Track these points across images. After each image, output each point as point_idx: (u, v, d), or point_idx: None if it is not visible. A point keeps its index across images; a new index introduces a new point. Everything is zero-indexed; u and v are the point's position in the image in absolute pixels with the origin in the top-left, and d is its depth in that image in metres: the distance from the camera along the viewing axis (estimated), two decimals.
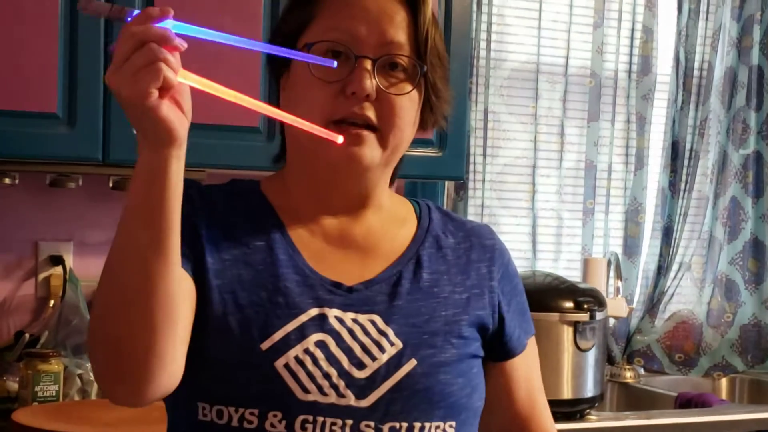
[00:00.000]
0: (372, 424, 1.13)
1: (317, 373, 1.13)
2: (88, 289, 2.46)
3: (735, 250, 3.21)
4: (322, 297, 1.17)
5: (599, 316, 2.51)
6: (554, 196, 3.10)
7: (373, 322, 1.18)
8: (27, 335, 2.34)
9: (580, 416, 2.51)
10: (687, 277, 3.20)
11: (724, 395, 3.17)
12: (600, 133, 3.09)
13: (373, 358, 1.15)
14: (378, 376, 1.15)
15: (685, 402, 2.77)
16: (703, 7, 3.14)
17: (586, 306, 2.48)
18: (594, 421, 2.50)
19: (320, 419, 1.12)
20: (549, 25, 3.05)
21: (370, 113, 1.16)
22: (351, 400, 1.13)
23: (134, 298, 0.98)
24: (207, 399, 1.14)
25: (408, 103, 1.19)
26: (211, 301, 1.14)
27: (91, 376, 2.29)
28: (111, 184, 2.39)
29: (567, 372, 2.48)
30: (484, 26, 2.93)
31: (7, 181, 2.30)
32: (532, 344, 1.34)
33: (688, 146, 3.15)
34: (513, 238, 3.02)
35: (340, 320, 1.16)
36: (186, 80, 0.94)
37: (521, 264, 3.00)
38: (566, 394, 2.48)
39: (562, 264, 3.09)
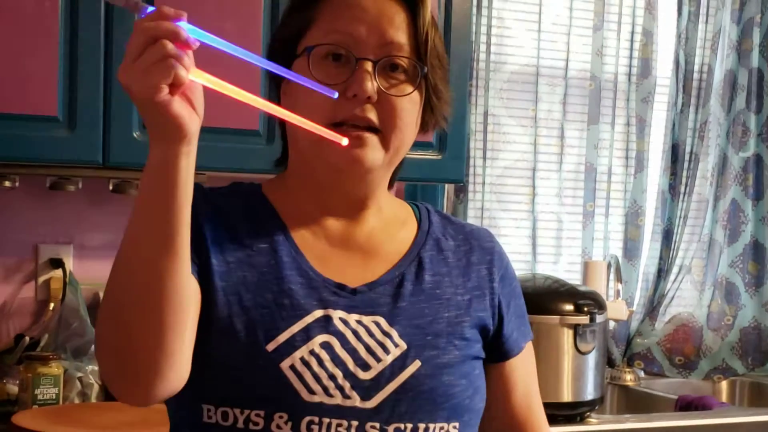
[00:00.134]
0: (377, 425, 1.14)
1: (323, 375, 1.13)
2: (88, 292, 2.46)
3: (735, 253, 3.21)
4: (327, 299, 1.18)
5: (599, 318, 2.51)
6: (554, 199, 3.10)
7: (378, 324, 1.18)
8: (27, 338, 2.34)
9: (581, 419, 2.51)
10: (687, 279, 3.20)
11: (724, 398, 3.17)
12: (600, 136, 3.09)
13: (378, 360, 1.16)
14: (383, 378, 1.15)
15: (686, 405, 2.77)
16: (703, 9, 3.15)
17: (586, 309, 2.48)
18: (594, 424, 2.50)
19: (326, 420, 1.12)
20: (549, 27, 3.05)
21: (372, 115, 1.16)
22: (356, 401, 1.14)
23: (144, 295, 0.99)
24: (212, 401, 1.14)
25: (409, 105, 1.19)
26: (216, 303, 1.15)
27: (91, 379, 2.29)
28: (111, 187, 2.39)
29: (567, 375, 2.48)
30: (483, 29, 2.93)
31: (7, 184, 2.30)
32: (529, 349, 1.34)
33: (688, 149, 3.15)
34: (513, 241, 3.02)
35: (345, 322, 1.17)
36: (198, 79, 0.94)
37: (521, 267, 3.00)
38: (566, 396, 2.48)
39: (562, 267, 3.09)
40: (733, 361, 3.19)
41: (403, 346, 1.17)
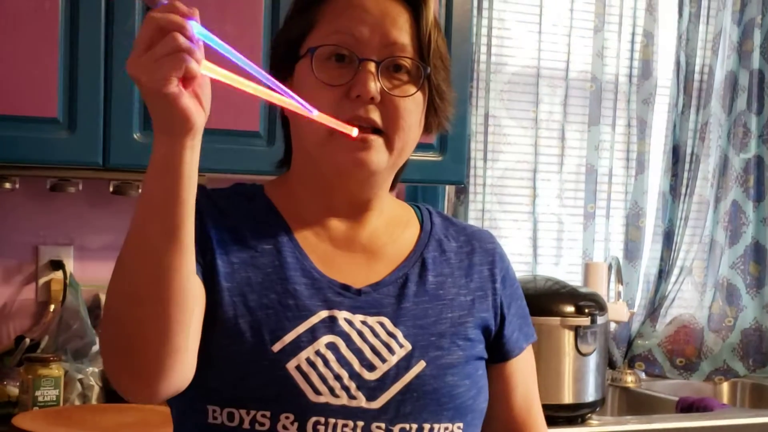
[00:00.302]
0: (383, 425, 1.14)
1: (328, 375, 1.13)
2: (89, 293, 2.46)
3: (736, 254, 3.21)
4: (332, 299, 1.18)
5: (600, 320, 2.51)
6: (555, 201, 3.10)
7: (382, 324, 1.19)
8: (27, 340, 2.34)
9: (582, 421, 2.51)
10: (688, 281, 3.20)
11: (725, 399, 3.17)
12: (601, 138, 3.09)
13: (383, 360, 1.16)
14: (388, 378, 1.16)
15: (687, 406, 2.77)
16: (704, 11, 3.15)
17: (587, 310, 2.48)
18: (595, 425, 2.50)
19: (332, 421, 1.13)
20: (549, 29, 3.05)
21: (375, 116, 1.16)
22: (362, 401, 1.14)
23: (150, 289, 0.99)
24: (217, 402, 1.14)
25: (412, 106, 1.19)
26: (221, 303, 1.15)
27: (92, 381, 2.28)
28: (111, 189, 2.39)
29: (568, 376, 2.48)
30: (484, 30, 2.93)
31: (7, 185, 2.31)
32: (529, 351, 1.34)
33: (688, 150, 3.15)
34: (514, 242, 3.02)
35: (350, 322, 1.17)
36: (210, 72, 0.94)
37: (522, 268, 3.00)
38: (567, 398, 2.48)
39: (562, 268, 3.09)
40: (734, 363, 3.19)
41: (408, 346, 1.18)
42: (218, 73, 0.94)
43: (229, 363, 1.13)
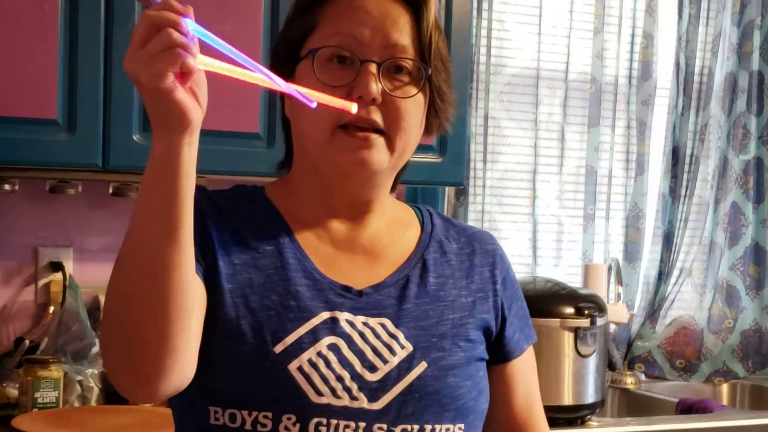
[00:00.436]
0: (384, 426, 1.14)
1: (330, 376, 1.14)
2: (88, 295, 2.46)
3: (736, 256, 3.21)
4: (333, 301, 1.18)
5: (600, 321, 2.51)
6: (555, 202, 3.10)
7: (384, 326, 1.19)
8: (27, 341, 2.34)
9: (581, 422, 2.51)
10: (688, 282, 3.20)
11: (725, 401, 3.17)
12: (600, 139, 3.09)
13: (385, 361, 1.16)
14: (390, 379, 1.16)
15: (686, 408, 2.77)
16: (704, 12, 3.15)
17: (586, 312, 2.48)
18: (595, 427, 2.50)
19: (334, 422, 1.13)
20: (549, 30, 3.05)
21: (377, 117, 1.17)
22: (364, 402, 1.14)
23: (147, 289, 0.99)
24: (219, 403, 1.14)
25: (413, 107, 1.19)
26: (222, 304, 1.15)
27: (91, 383, 2.28)
28: (111, 191, 2.39)
29: (568, 378, 2.48)
30: (484, 32, 2.93)
31: (7, 187, 2.30)
32: (530, 352, 1.34)
33: (688, 152, 3.15)
34: (513, 243, 3.02)
35: (351, 324, 1.17)
36: (206, 66, 0.94)
37: (522, 270, 3.00)
38: (567, 400, 2.48)
39: (562, 270, 3.09)
40: (733, 364, 3.19)
41: (409, 347, 1.18)
42: (215, 66, 0.95)
43: (231, 364, 1.14)
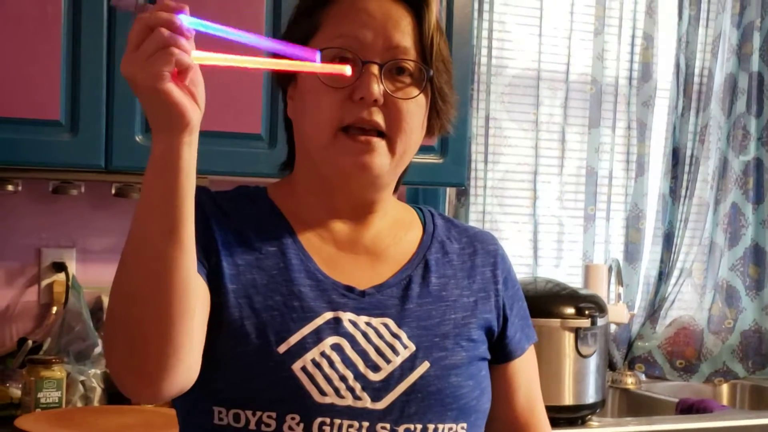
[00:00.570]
0: (387, 426, 1.15)
1: (334, 376, 1.14)
2: (91, 295, 2.47)
3: (736, 256, 3.22)
4: (336, 301, 1.19)
5: (600, 322, 2.51)
6: (555, 203, 3.10)
7: (386, 326, 1.19)
8: (30, 342, 2.35)
9: (582, 422, 2.52)
10: (688, 283, 3.21)
11: (725, 401, 3.17)
12: (601, 140, 3.09)
13: (388, 361, 1.17)
14: (393, 379, 1.16)
15: (686, 408, 2.78)
16: (704, 14, 3.15)
17: (587, 312, 2.49)
18: (595, 427, 2.51)
19: (337, 421, 1.13)
20: (550, 32, 3.06)
21: (378, 118, 1.17)
22: (367, 402, 1.15)
23: (149, 288, 0.99)
24: (223, 403, 1.14)
25: (415, 108, 1.20)
26: (226, 305, 1.16)
27: (94, 383, 2.29)
28: (113, 191, 2.39)
29: (568, 378, 2.48)
30: (485, 33, 2.94)
31: (10, 188, 2.31)
32: (531, 351, 1.35)
33: (688, 152, 3.16)
34: (514, 244, 3.02)
35: (354, 324, 1.18)
36: (202, 60, 0.95)
37: (522, 270, 3.00)
38: (568, 400, 2.48)
39: (563, 270, 3.09)
40: (733, 365, 3.20)
41: (412, 347, 1.19)
42: (211, 58, 0.96)
43: (235, 364, 1.14)
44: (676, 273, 3.17)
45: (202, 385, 1.11)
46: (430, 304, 1.23)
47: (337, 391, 1.14)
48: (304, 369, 1.13)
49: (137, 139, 2.16)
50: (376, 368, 1.16)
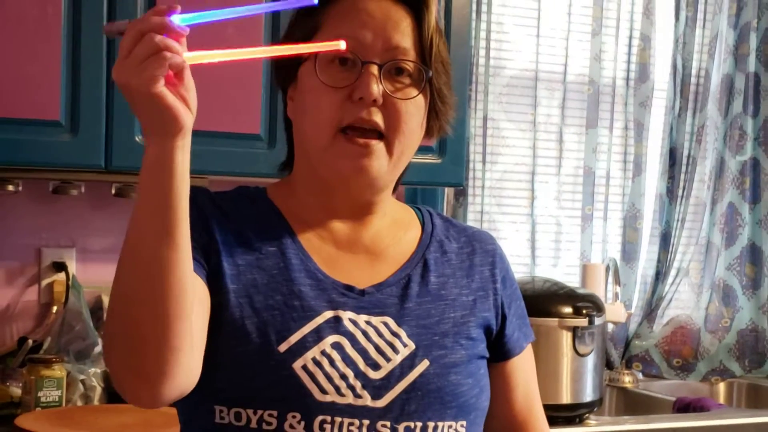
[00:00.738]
0: (388, 423, 1.15)
1: (334, 374, 1.15)
2: (91, 295, 2.47)
3: (732, 256, 3.23)
4: (336, 300, 1.19)
5: (598, 321, 2.52)
6: (553, 203, 3.11)
7: (386, 324, 1.20)
8: (30, 341, 2.35)
9: (579, 421, 2.53)
10: (685, 282, 3.21)
11: (721, 400, 3.18)
12: (598, 140, 3.10)
13: (388, 359, 1.18)
14: (393, 377, 1.17)
15: (683, 406, 2.79)
16: (700, 15, 3.16)
17: (584, 311, 2.49)
18: (593, 425, 2.52)
19: (338, 419, 1.14)
20: (547, 32, 3.07)
21: (378, 118, 1.18)
22: (367, 400, 1.15)
23: (145, 290, 1.00)
24: (224, 402, 1.15)
25: (414, 109, 1.21)
26: (228, 305, 1.16)
27: (94, 382, 2.29)
28: (113, 191, 2.40)
29: (566, 377, 2.49)
30: (483, 34, 2.95)
31: (10, 188, 2.31)
32: (529, 350, 1.36)
33: (685, 153, 3.17)
34: (512, 244, 3.03)
35: (354, 322, 1.18)
36: (195, 60, 0.96)
37: (520, 270, 3.01)
38: (565, 398, 2.49)
39: (560, 270, 3.10)
40: (730, 363, 3.21)
41: (412, 345, 1.19)
42: (204, 56, 0.96)
43: (236, 363, 1.15)
44: (673, 272, 3.18)
45: (204, 384, 1.12)
46: (430, 303, 1.23)
47: (337, 389, 1.14)
48: (304, 367, 1.14)
49: (137, 139, 2.16)
50: (376, 366, 1.17)
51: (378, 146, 1.18)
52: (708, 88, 3.18)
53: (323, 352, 1.15)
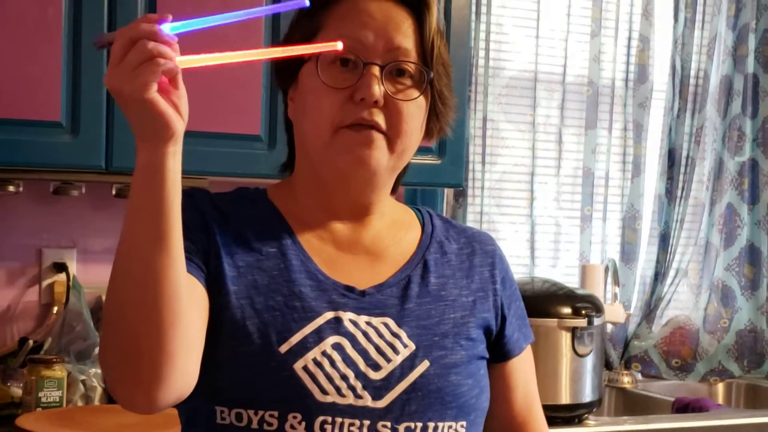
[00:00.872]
0: (388, 424, 1.16)
1: (335, 375, 1.15)
2: (92, 295, 2.48)
3: (731, 257, 3.23)
4: (336, 301, 1.20)
5: (597, 321, 2.52)
6: (552, 203, 3.12)
7: (386, 325, 1.20)
8: (31, 341, 2.36)
9: (578, 421, 2.53)
10: (684, 283, 3.22)
11: (720, 400, 3.19)
12: (597, 141, 3.11)
13: (388, 360, 1.18)
14: (393, 377, 1.17)
15: (682, 407, 2.79)
16: (699, 16, 3.17)
17: (584, 312, 2.50)
18: (592, 426, 2.52)
19: (339, 420, 1.14)
20: (547, 33, 3.07)
21: (379, 119, 1.18)
22: (368, 401, 1.16)
23: (138, 296, 1.00)
24: (225, 403, 1.15)
25: (415, 110, 1.21)
26: (228, 306, 1.16)
27: (95, 382, 2.30)
28: (114, 192, 2.41)
29: (565, 377, 2.49)
30: (482, 35, 2.95)
31: (11, 188, 2.32)
32: (528, 351, 1.36)
33: (684, 153, 3.17)
34: (511, 244, 3.03)
35: (355, 323, 1.19)
36: (188, 64, 0.96)
37: (520, 270, 3.02)
38: (564, 399, 2.49)
39: (560, 270, 3.11)
40: (729, 364, 3.21)
41: (412, 346, 1.19)
42: (197, 60, 0.97)
43: (237, 364, 1.15)
44: (672, 273, 3.19)
45: (205, 385, 1.12)
46: (430, 304, 1.24)
47: (338, 390, 1.15)
48: (305, 368, 1.14)
49: (133, 134, 2.16)
50: (376, 367, 1.17)
51: (379, 138, 1.19)
52: (707, 89, 3.18)
53: (324, 353, 1.15)
